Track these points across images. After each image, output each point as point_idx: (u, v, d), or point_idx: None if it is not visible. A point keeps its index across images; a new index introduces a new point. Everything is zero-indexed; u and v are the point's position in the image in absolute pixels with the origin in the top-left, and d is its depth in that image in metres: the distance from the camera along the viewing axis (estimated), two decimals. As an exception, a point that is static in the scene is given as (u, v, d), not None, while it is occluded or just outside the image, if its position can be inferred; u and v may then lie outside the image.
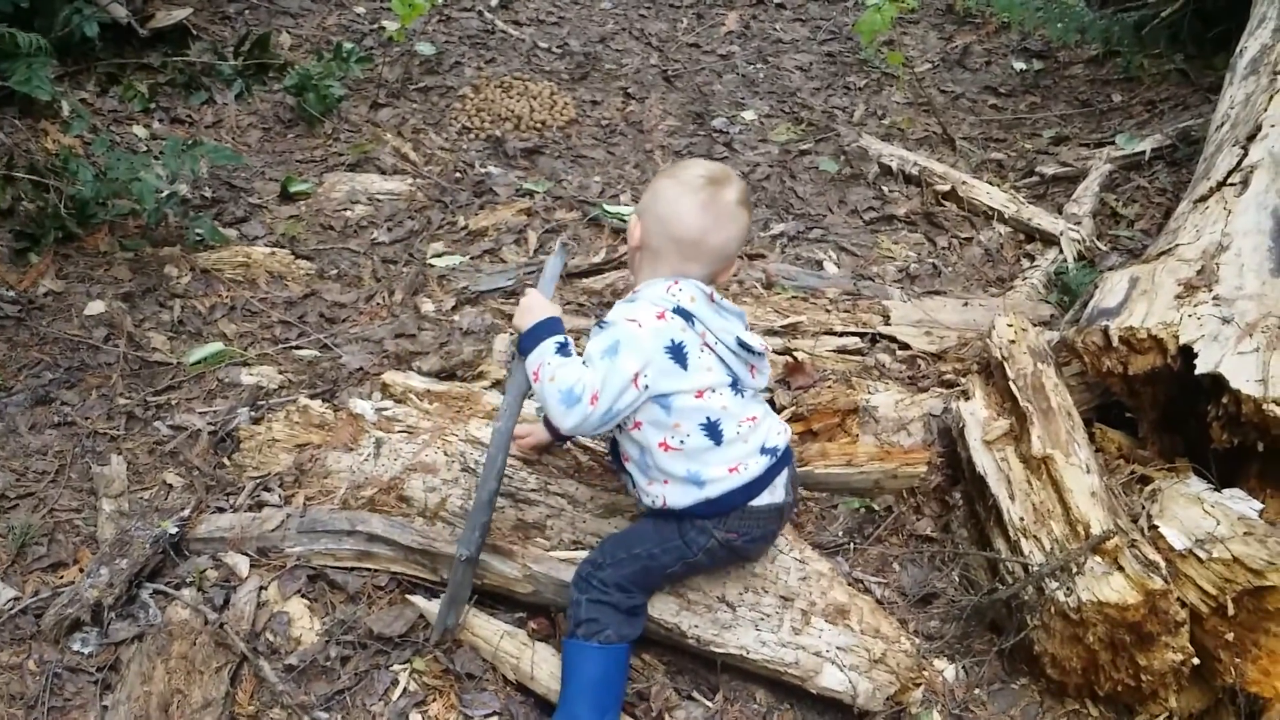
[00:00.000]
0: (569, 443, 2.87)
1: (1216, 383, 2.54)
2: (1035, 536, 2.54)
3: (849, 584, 2.64)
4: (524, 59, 5.76)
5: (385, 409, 3.00)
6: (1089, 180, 4.72)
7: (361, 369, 3.43)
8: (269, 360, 3.50)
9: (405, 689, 2.44)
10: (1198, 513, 2.50)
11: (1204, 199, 3.33)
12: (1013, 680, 2.58)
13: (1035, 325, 3.22)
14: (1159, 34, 5.59)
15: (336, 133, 4.91)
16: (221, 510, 2.82)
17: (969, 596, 2.68)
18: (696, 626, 2.47)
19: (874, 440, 3.02)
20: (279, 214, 4.32)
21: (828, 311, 3.73)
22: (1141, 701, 2.46)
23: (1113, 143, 5.03)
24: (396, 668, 2.49)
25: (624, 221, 4.32)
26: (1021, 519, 2.60)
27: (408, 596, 2.61)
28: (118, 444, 3.11)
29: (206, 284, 3.83)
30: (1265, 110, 3.62)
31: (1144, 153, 4.83)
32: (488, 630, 2.52)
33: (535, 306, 2.34)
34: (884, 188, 4.78)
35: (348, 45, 5.24)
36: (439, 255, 4.13)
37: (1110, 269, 3.59)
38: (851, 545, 2.88)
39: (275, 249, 4.06)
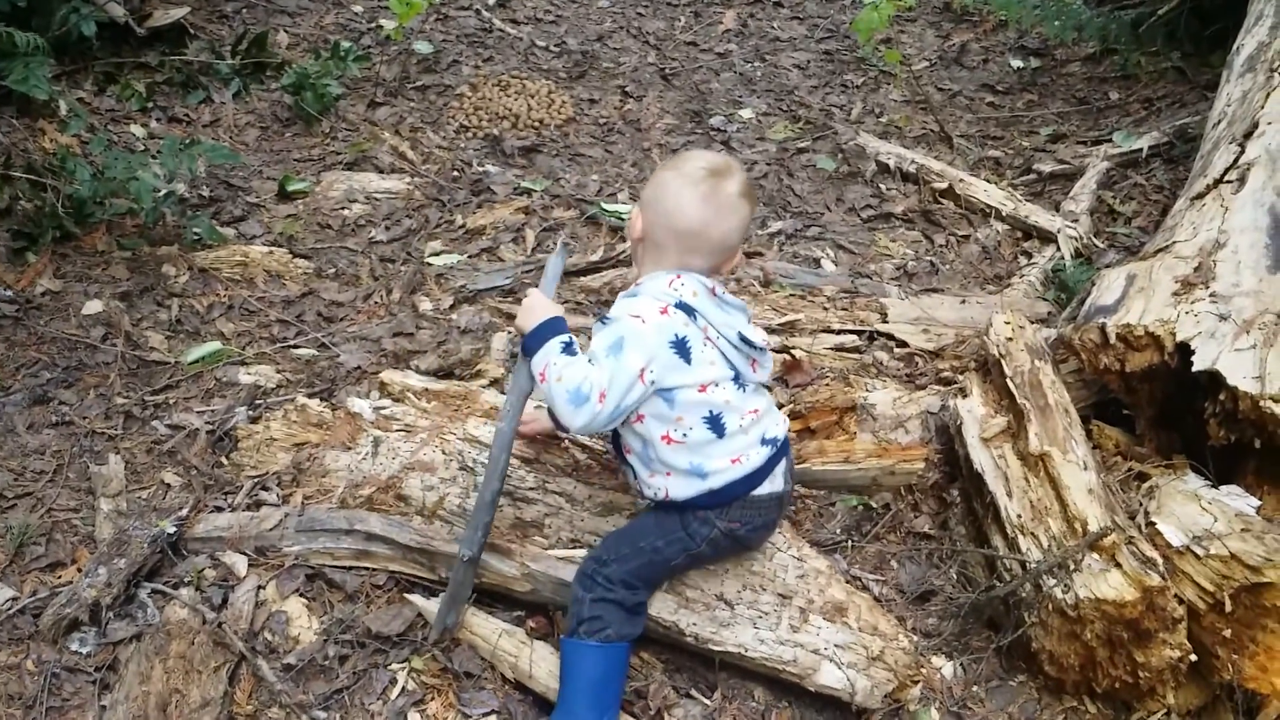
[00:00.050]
0: (567, 440, 2.88)
1: (1213, 380, 2.54)
2: (1033, 533, 2.55)
3: (847, 581, 2.64)
4: (522, 57, 5.76)
5: (383, 408, 3.00)
6: (1086, 178, 4.72)
7: (359, 368, 3.43)
8: (267, 359, 3.50)
9: (404, 688, 2.45)
10: (1195, 509, 2.50)
11: (1201, 196, 3.34)
12: (1011, 677, 2.59)
13: (1033, 323, 3.23)
14: (1156, 31, 5.59)
15: (334, 131, 4.91)
16: (219, 509, 2.82)
17: (967, 594, 2.68)
18: (695, 624, 2.47)
19: (872, 438, 3.02)
20: (277, 213, 4.32)
21: (825, 309, 3.74)
22: (1139, 698, 2.46)
23: (1110, 140, 5.03)
24: (395, 666, 2.49)
25: (622, 220, 4.32)
26: (1019, 516, 2.60)
27: (406, 595, 2.61)
28: (115, 443, 3.11)
29: (204, 283, 3.83)
30: (1262, 107, 3.62)
31: (1141, 150, 4.83)
32: (486, 629, 2.52)
33: (537, 307, 2.34)
34: (881, 185, 4.78)
35: (345, 44, 5.24)
36: (437, 254, 4.13)
37: (1107, 266, 3.59)
38: (849, 543, 2.88)
39: (273, 248, 4.06)
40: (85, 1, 4.56)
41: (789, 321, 3.59)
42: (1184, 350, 2.62)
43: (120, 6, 4.84)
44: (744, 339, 2.33)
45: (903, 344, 3.53)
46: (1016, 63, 6.02)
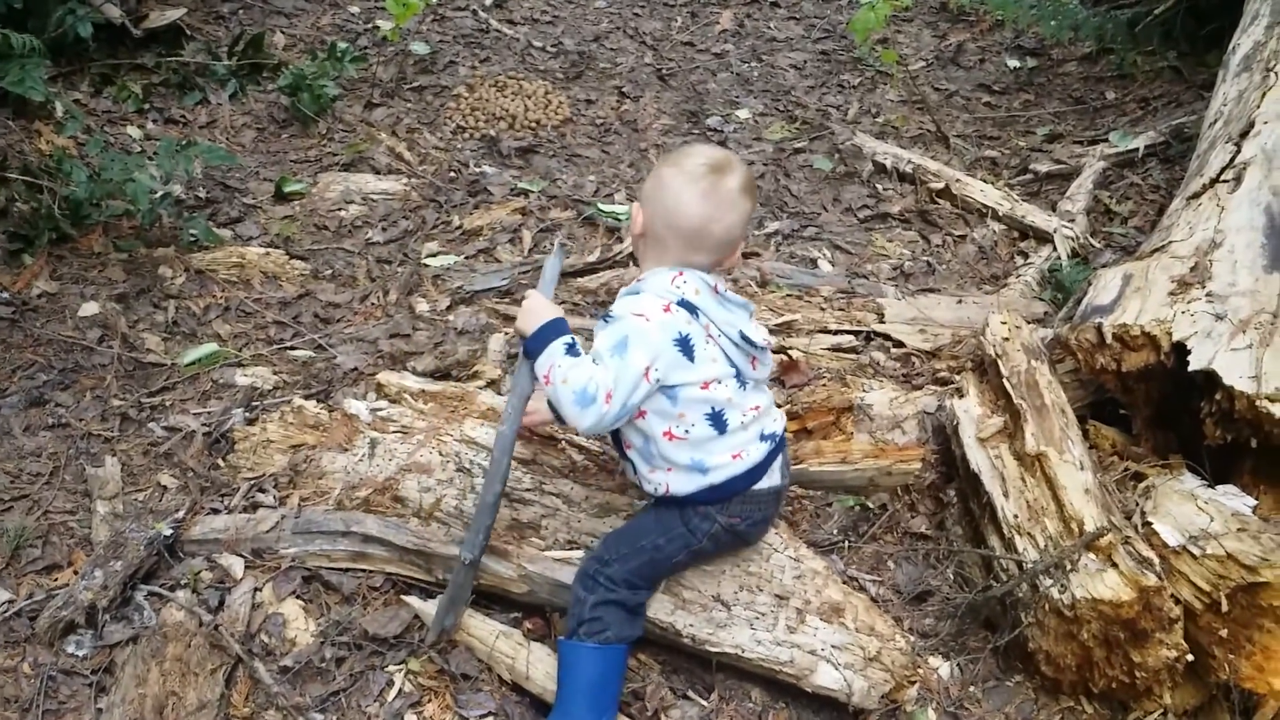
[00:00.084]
0: (564, 441, 2.88)
1: (1210, 379, 2.55)
2: (1029, 534, 2.55)
3: (844, 582, 2.64)
4: (518, 58, 5.75)
5: (380, 409, 3.00)
6: (1083, 177, 4.73)
7: (356, 369, 3.43)
8: (263, 361, 3.50)
9: (400, 690, 2.44)
10: (1191, 509, 2.50)
11: (1197, 196, 3.34)
12: (1007, 677, 2.59)
13: (1029, 323, 3.23)
14: (1152, 31, 5.59)
15: (331, 132, 4.91)
16: (216, 511, 2.82)
17: (963, 594, 2.69)
18: (692, 625, 2.47)
19: (868, 438, 3.02)
20: (273, 214, 4.32)
21: (822, 309, 3.74)
22: (1136, 698, 2.46)
23: (1106, 140, 5.04)
24: (391, 668, 2.49)
25: (619, 220, 4.32)
26: (1015, 516, 2.60)
27: (403, 597, 2.61)
28: (112, 445, 3.11)
29: (201, 285, 3.83)
30: (1258, 107, 3.62)
31: (1137, 150, 4.84)
32: (483, 630, 2.52)
33: (538, 309, 2.33)
34: (878, 186, 4.78)
35: (342, 45, 5.24)
36: (434, 255, 4.13)
37: (1104, 266, 3.59)
38: (846, 543, 2.88)
39: (270, 249, 4.05)
40: (81, 3, 4.56)
41: (786, 322, 3.59)
42: (1180, 350, 2.62)
43: (116, 8, 4.84)
44: (745, 337, 2.33)
45: (899, 344, 3.54)
46: (1013, 62, 6.02)
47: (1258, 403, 2.44)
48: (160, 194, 3.95)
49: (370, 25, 5.81)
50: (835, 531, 2.90)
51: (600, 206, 4.44)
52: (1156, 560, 2.40)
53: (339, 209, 4.38)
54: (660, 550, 2.41)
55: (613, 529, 2.57)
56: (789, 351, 3.35)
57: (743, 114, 5.41)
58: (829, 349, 3.49)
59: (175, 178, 4.11)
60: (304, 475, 2.87)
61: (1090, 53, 5.99)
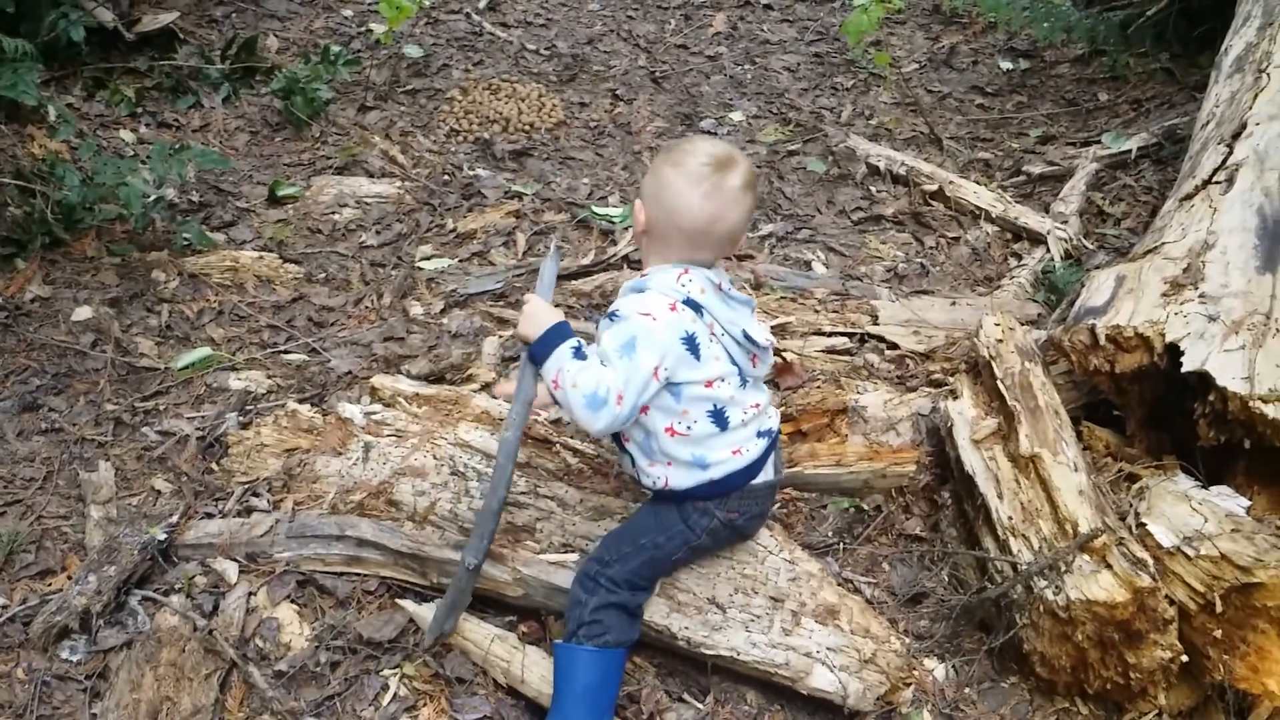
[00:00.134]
0: (559, 444, 2.88)
1: (1203, 380, 2.55)
2: (1024, 535, 2.55)
3: (839, 584, 2.64)
4: (512, 61, 5.75)
5: (374, 413, 3.00)
6: (1076, 179, 4.73)
7: (350, 373, 3.43)
8: (257, 365, 3.49)
9: (395, 694, 2.44)
10: (1185, 510, 2.50)
11: (1190, 197, 3.34)
12: (1002, 679, 2.59)
13: (1023, 324, 3.23)
14: (1145, 33, 5.60)
15: (324, 136, 4.90)
16: (210, 516, 2.82)
17: (958, 596, 2.69)
18: (687, 628, 2.47)
19: (863, 440, 3.02)
20: (267, 218, 4.31)
21: (816, 312, 3.74)
22: (1131, 699, 2.47)
23: (1099, 141, 5.04)
24: (387, 673, 2.49)
25: (613, 223, 4.32)
26: (1010, 518, 2.60)
27: (397, 601, 2.61)
28: (105, 450, 3.10)
29: (194, 288, 3.83)
30: (1250, 108, 3.63)
31: (1130, 151, 4.85)
32: (478, 634, 2.52)
33: (539, 313, 2.33)
34: (872, 188, 4.79)
35: (335, 48, 5.24)
36: (427, 258, 4.13)
37: (1097, 267, 3.60)
38: (841, 545, 2.88)
39: (263, 253, 4.05)
40: (74, 7, 4.55)
41: (780, 324, 3.59)
42: (1173, 351, 2.63)
43: (109, 12, 4.84)
44: (747, 336, 2.34)
45: (893, 346, 3.54)
46: (1006, 64, 6.03)
47: (1251, 404, 2.44)
48: (153, 198, 3.95)
49: (363, 28, 5.80)
50: (830, 534, 2.90)
51: (594, 209, 4.44)
52: (1151, 561, 2.40)
53: (333, 212, 4.37)
54: (660, 548, 2.42)
55: (609, 531, 2.57)
56: (783, 354, 3.35)
57: (736, 116, 5.41)
58: (823, 351, 3.49)
59: (168, 181, 4.11)
60: (298, 479, 2.86)
61: (1083, 54, 5.99)
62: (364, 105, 5.14)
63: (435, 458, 2.81)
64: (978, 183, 4.76)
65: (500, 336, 3.58)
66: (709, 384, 2.31)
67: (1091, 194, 4.67)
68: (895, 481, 2.96)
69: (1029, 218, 4.44)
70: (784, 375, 3.28)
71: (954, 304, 3.82)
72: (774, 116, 5.45)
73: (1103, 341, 2.75)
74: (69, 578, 2.67)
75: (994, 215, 4.50)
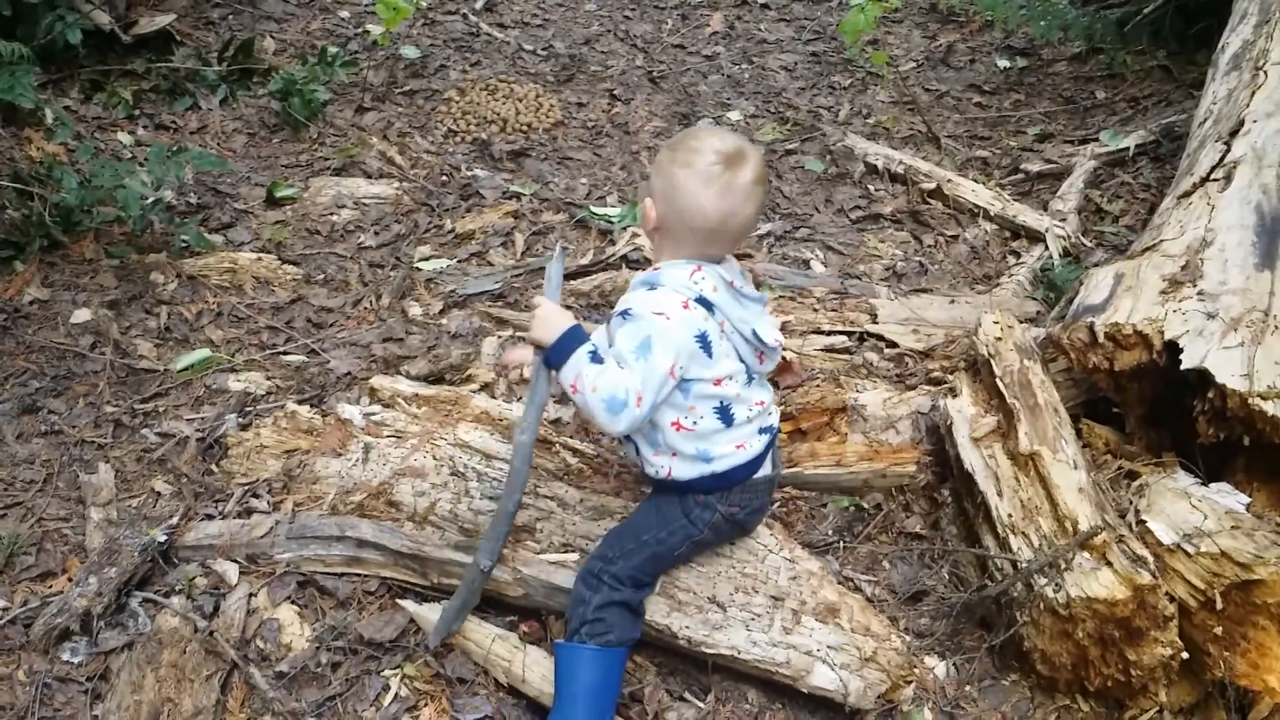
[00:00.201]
0: (559, 444, 2.88)
1: (1202, 378, 2.55)
2: (1023, 533, 2.55)
3: (839, 582, 2.64)
4: (509, 61, 5.75)
5: (373, 414, 3.00)
6: (1074, 177, 4.73)
7: (349, 374, 3.43)
8: (256, 366, 3.49)
9: (396, 694, 2.44)
10: (1185, 507, 2.50)
11: (1188, 195, 3.35)
12: (1003, 676, 2.59)
13: (1021, 322, 3.23)
14: (1142, 30, 5.60)
15: (322, 137, 4.90)
16: (210, 517, 2.82)
17: (959, 594, 2.69)
18: (687, 627, 2.47)
19: (863, 438, 3.02)
20: (265, 219, 4.31)
21: (815, 310, 3.74)
22: (1131, 696, 2.47)
23: (1097, 139, 5.04)
24: (387, 673, 2.49)
25: (611, 223, 4.32)
26: (1010, 516, 2.60)
27: (398, 601, 2.61)
28: (105, 452, 3.10)
29: (193, 290, 3.83)
30: (1247, 106, 3.63)
31: (1128, 149, 4.85)
32: (479, 634, 2.52)
33: (552, 317, 2.32)
34: (870, 186, 4.79)
35: (332, 49, 5.24)
36: (426, 259, 4.13)
37: (1095, 265, 3.60)
38: (841, 544, 2.88)
39: (261, 254, 4.05)
40: (71, 9, 4.55)
41: (779, 323, 3.59)
42: (1172, 348, 2.63)
43: (106, 14, 4.83)
44: (756, 335, 2.33)
45: (892, 344, 3.54)
46: (1003, 63, 6.04)
47: (1250, 400, 2.44)
48: (151, 200, 3.94)
49: (360, 30, 5.80)
50: (830, 532, 2.90)
51: (592, 209, 4.44)
52: (1151, 558, 2.40)
53: (331, 213, 4.37)
54: (663, 543, 2.42)
55: (610, 529, 2.57)
56: (783, 353, 3.36)
57: (734, 116, 5.41)
58: (822, 350, 3.49)
59: (166, 184, 4.10)
60: (298, 480, 2.86)
61: (1080, 52, 6.00)
62: (361, 106, 5.14)
63: (435, 458, 2.82)
64: (976, 181, 4.76)
65: (499, 337, 3.58)
66: (718, 382, 2.31)
67: (1090, 192, 4.67)
68: (895, 481, 2.96)
69: (1027, 216, 4.45)
70: (783, 374, 3.28)
71: (953, 302, 3.82)
72: (772, 116, 5.45)
73: (1101, 339, 2.75)
74: (70, 580, 2.67)
75: (992, 213, 4.50)
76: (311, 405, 3.20)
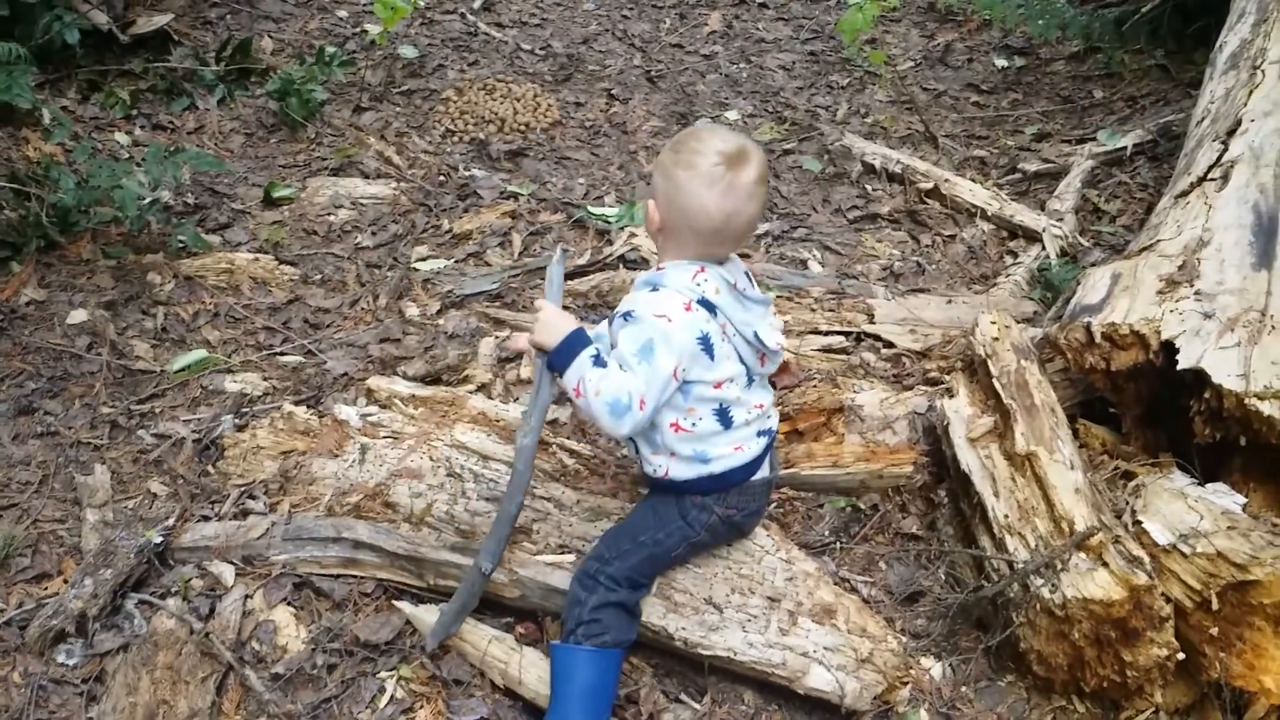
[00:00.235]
0: (555, 444, 2.88)
1: (1199, 378, 2.55)
2: (1020, 533, 2.55)
3: (835, 583, 2.64)
4: (507, 61, 5.75)
5: (370, 415, 3.00)
6: (1071, 176, 4.73)
7: (346, 374, 3.43)
8: (253, 367, 3.49)
9: (392, 696, 2.44)
10: (1181, 508, 2.50)
11: (1185, 194, 3.35)
12: (1000, 677, 2.59)
13: (1018, 322, 3.23)
14: (1139, 30, 5.60)
15: (319, 137, 4.90)
16: (206, 519, 2.81)
17: (955, 594, 2.69)
18: (684, 629, 2.47)
19: (860, 439, 3.02)
20: (262, 219, 4.31)
21: (812, 310, 3.74)
22: (1127, 697, 2.46)
23: (1094, 139, 5.04)
24: (383, 675, 2.48)
25: (608, 223, 4.32)
26: (1006, 516, 2.60)
27: (394, 603, 2.61)
28: (101, 453, 3.10)
29: (190, 291, 3.82)
30: (1245, 105, 3.63)
31: (1125, 148, 4.85)
32: (475, 635, 2.52)
33: (554, 321, 2.32)
34: (867, 186, 4.79)
35: (330, 49, 5.24)
36: (423, 259, 4.13)
37: (1092, 265, 3.60)
38: (838, 544, 2.88)
39: (259, 255, 4.05)
40: (68, 9, 4.55)
41: (782, 325, 3.59)
42: (1169, 348, 2.63)
43: (103, 14, 4.83)
44: (758, 338, 2.33)
45: (890, 345, 3.54)
46: (1001, 62, 6.03)
47: (1246, 401, 2.44)
48: (148, 200, 3.94)
49: (358, 29, 5.80)
50: (827, 533, 2.90)
51: (590, 209, 4.44)
52: (1147, 559, 2.40)
53: (328, 214, 4.37)
54: (660, 544, 2.42)
55: (607, 529, 2.57)
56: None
57: (732, 115, 5.41)
58: (819, 350, 3.48)
59: (163, 184, 4.10)
60: (294, 481, 2.86)
61: (1078, 51, 6.00)
62: (359, 106, 5.14)
63: (432, 459, 2.81)
64: (973, 180, 4.76)
65: (496, 338, 3.58)
66: (718, 385, 2.31)
67: (1087, 191, 4.67)
68: (892, 482, 2.96)
69: (1024, 215, 4.44)
70: (780, 374, 3.28)
71: (950, 302, 3.82)
72: (769, 115, 5.45)
73: (1098, 339, 2.75)
74: (65, 581, 2.67)
75: (989, 213, 4.50)
76: (308, 406, 3.20)
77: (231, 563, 2.68)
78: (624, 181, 4.75)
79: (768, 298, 2.40)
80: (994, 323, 3.08)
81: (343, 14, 5.95)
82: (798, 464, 2.94)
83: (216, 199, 4.39)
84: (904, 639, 2.62)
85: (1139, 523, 2.52)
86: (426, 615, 2.55)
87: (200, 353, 3.51)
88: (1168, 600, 2.36)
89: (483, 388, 3.33)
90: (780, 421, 2.96)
